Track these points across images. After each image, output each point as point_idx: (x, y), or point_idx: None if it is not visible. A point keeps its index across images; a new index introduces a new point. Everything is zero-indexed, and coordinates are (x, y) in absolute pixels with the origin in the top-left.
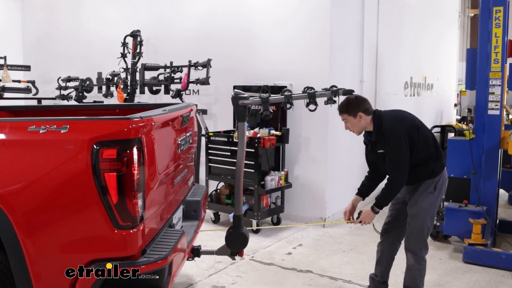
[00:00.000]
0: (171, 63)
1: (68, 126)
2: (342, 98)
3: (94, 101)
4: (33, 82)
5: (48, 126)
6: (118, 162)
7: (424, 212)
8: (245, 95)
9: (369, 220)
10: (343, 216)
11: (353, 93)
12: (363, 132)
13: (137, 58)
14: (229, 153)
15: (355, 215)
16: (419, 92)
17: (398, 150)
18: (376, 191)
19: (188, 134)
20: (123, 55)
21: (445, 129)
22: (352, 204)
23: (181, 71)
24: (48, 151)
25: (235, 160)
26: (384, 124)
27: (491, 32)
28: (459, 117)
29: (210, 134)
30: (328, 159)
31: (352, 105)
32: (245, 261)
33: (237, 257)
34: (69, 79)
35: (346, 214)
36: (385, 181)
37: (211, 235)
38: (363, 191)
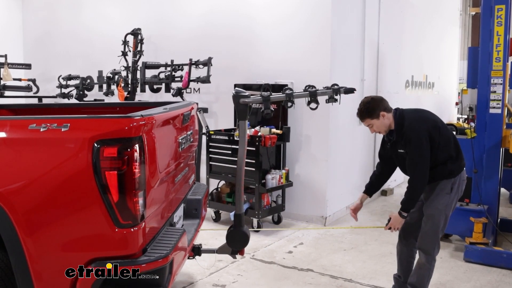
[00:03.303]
0: (172, 61)
1: (68, 125)
2: (343, 96)
3: (95, 100)
4: (33, 81)
5: (48, 124)
6: (119, 161)
7: (439, 213)
8: (246, 94)
9: (398, 225)
10: (350, 213)
11: (355, 91)
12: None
13: (137, 57)
14: (230, 152)
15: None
16: (420, 91)
17: (419, 152)
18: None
19: (189, 132)
20: (124, 54)
21: None
22: (360, 201)
23: (182, 70)
24: (49, 149)
25: (236, 159)
26: (406, 123)
27: (492, 30)
28: (460, 116)
29: (211, 132)
30: (329, 158)
31: (372, 108)
32: (246, 260)
33: (238, 256)
34: (69, 78)
35: (352, 211)
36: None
37: (212, 234)
38: (370, 190)
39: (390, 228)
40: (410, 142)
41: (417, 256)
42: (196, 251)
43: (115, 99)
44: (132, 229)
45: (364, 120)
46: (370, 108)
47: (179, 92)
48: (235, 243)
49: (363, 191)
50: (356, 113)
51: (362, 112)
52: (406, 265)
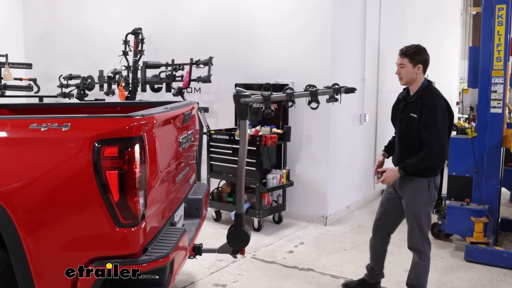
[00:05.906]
0: (173, 61)
1: (69, 124)
2: (344, 96)
3: (96, 99)
4: (34, 80)
5: (49, 124)
6: (119, 160)
7: (420, 211)
8: (247, 93)
9: (391, 180)
10: (374, 169)
11: (355, 91)
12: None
13: (138, 56)
14: (230, 151)
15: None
16: None
17: (443, 123)
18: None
19: (189, 132)
20: (125, 53)
21: None
22: (382, 157)
23: (182, 69)
24: (50, 149)
25: (236, 158)
26: (432, 92)
27: (493, 30)
28: (461, 115)
29: (211, 132)
30: (330, 157)
31: (418, 54)
32: (247, 259)
33: (238, 255)
34: (70, 77)
35: (376, 167)
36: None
37: (212, 233)
38: (389, 148)
39: (384, 181)
40: (434, 112)
41: (410, 256)
42: (197, 250)
43: (116, 98)
44: (132, 229)
45: (403, 57)
46: (417, 53)
47: (179, 92)
48: (236, 243)
49: (383, 150)
50: (400, 49)
51: (408, 50)
52: (380, 257)
